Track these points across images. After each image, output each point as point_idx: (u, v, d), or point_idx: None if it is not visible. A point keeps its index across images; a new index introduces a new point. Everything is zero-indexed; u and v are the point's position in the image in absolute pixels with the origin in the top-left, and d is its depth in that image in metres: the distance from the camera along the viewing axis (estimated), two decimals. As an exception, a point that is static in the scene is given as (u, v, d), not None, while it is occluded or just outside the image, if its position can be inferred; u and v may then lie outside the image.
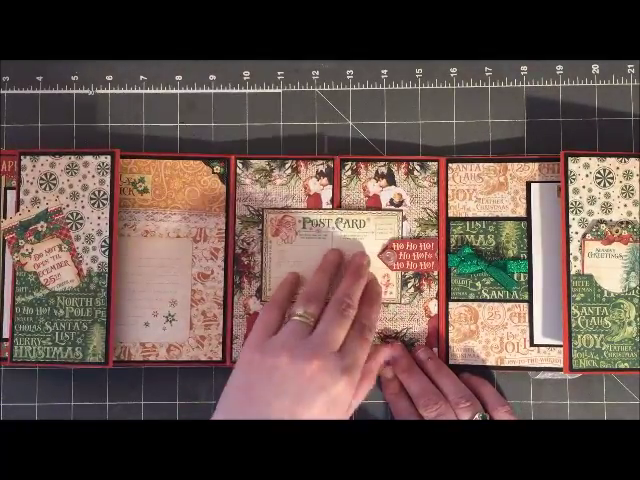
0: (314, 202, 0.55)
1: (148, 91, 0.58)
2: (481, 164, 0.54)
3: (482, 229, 0.54)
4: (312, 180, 0.55)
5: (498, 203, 0.54)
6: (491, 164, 0.54)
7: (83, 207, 0.53)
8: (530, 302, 0.53)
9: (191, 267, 0.54)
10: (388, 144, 0.57)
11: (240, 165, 0.55)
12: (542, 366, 0.53)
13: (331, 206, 0.54)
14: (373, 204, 0.54)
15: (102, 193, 0.53)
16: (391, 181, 0.54)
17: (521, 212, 0.54)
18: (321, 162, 0.55)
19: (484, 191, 0.54)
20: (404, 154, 0.56)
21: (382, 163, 0.54)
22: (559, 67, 0.57)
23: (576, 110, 0.57)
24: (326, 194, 0.55)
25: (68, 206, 0.53)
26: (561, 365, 0.52)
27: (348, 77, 0.58)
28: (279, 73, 0.58)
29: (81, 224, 0.53)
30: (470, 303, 0.53)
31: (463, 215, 0.54)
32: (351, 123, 0.57)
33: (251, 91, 0.58)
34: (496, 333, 0.53)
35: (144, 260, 0.54)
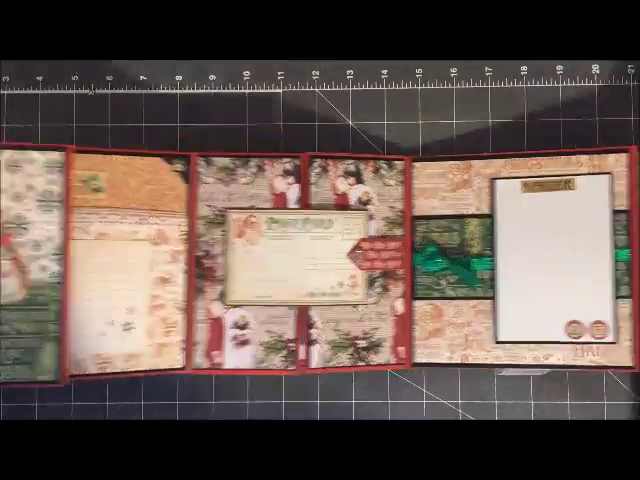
0: (280, 202, 0.53)
1: (148, 91, 0.58)
2: (445, 162, 0.54)
3: (447, 227, 0.53)
4: (278, 179, 0.53)
5: (463, 201, 0.53)
6: (455, 162, 0.54)
7: (29, 210, 0.48)
8: (495, 299, 0.52)
9: (150, 271, 0.51)
10: (388, 144, 0.57)
11: (202, 163, 0.53)
12: (507, 363, 0.52)
13: (298, 206, 0.53)
14: (341, 202, 0.53)
15: (52, 194, 0.48)
16: (359, 179, 0.54)
17: (485, 209, 0.53)
18: (287, 160, 0.53)
19: (448, 189, 0.54)
20: (404, 154, 0.56)
21: (350, 161, 0.54)
22: (559, 67, 0.57)
23: (576, 110, 0.57)
24: (293, 193, 0.53)
25: (10, 209, 0.48)
26: (525, 362, 0.52)
27: (348, 77, 0.58)
28: (279, 73, 0.58)
29: (26, 229, 0.48)
30: (435, 301, 0.53)
31: (429, 213, 0.54)
32: (351, 123, 0.57)
33: (251, 91, 0.58)
34: (461, 331, 0.53)
35: (98, 266, 0.50)
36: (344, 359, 0.53)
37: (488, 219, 0.53)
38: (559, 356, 0.51)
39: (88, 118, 0.57)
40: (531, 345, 0.51)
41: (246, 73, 0.58)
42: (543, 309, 0.51)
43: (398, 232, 0.54)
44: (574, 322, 0.51)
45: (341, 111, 0.58)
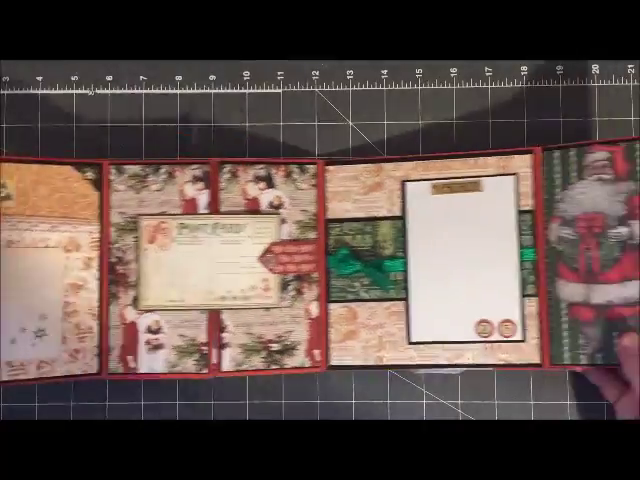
0: (190, 207, 0.53)
1: (148, 91, 0.58)
2: (357, 165, 0.54)
3: (360, 229, 0.54)
4: (188, 185, 0.53)
5: (375, 203, 0.54)
6: (366, 165, 0.54)
7: None
8: (407, 300, 0.53)
9: (62, 278, 0.52)
10: (388, 144, 0.57)
11: (114, 171, 0.53)
12: (420, 363, 0.52)
13: (208, 211, 0.53)
14: (252, 207, 0.53)
15: None
16: (270, 184, 0.54)
17: (396, 211, 0.53)
18: (197, 166, 0.53)
19: (361, 192, 0.54)
20: (404, 154, 0.56)
21: (261, 166, 0.54)
22: (559, 67, 0.57)
23: (575, 110, 0.57)
24: (202, 199, 0.53)
25: None
26: (438, 362, 0.52)
27: (348, 77, 0.58)
28: (279, 73, 0.58)
29: None
30: (349, 303, 0.53)
31: (342, 216, 0.54)
32: (351, 123, 0.57)
33: (251, 91, 0.58)
34: (375, 332, 0.53)
35: (8, 274, 0.50)
36: (257, 362, 0.53)
37: (400, 221, 0.53)
38: (469, 355, 0.52)
39: (88, 118, 0.57)
40: (443, 345, 0.52)
41: (246, 73, 0.58)
42: (454, 309, 0.52)
43: (311, 235, 0.54)
44: (484, 321, 0.51)
45: (341, 111, 0.58)
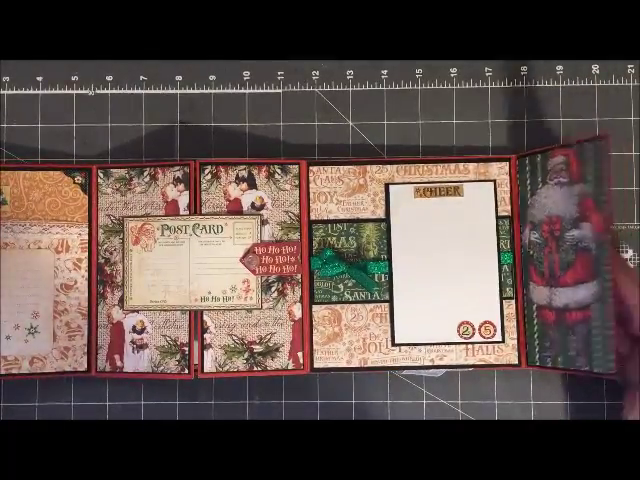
0: (172, 209, 0.53)
1: (148, 91, 0.58)
2: (341, 167, 0.54)
3: (343, 231, 0.54)
4: (169, 187, 0.54)
5: (358, 205, 0.54)
6: (351, 167, 0.54)
7: None
8: (391, 302, 0.53)
9: (53, 278, 0.54)
10: (388, 144, 0.57)
11: (101, 175, 0.54)
12: (404, 365, 0.53)
13: (188, 212, 0.53)
14: (234, 208, 0.54)
15: None
16: (252, 184, 0.54)
17: (380, 213, 0.54)
18: (178, 168, 0.53)
19: (345, 193, 0.54)
20: (404, 155, 0.56)
21: (242, 166, 0.54)
22: (559, 67, 0.57)
23: (576, 110, 0.57)
24: (183, 200, 0.53)
25: None
26: (422, 363, 0.53)
27: (348, 77, 0.58)
28: (279, 73, 0.58)
29: None
30: (333, 305, 0.53)
31: (325, 217, 0.54)
32: (351, 123, 0.57)
33: (251, 91, 0.58)
34: (359, 334, 0.53)
35: (3, 273, 0.53)
36: (239, 364, 0.53)
37: (383, 223, 0.54)
38: (452, 356, 0.53)
39: (88, 118, 0.57)
40: (427, 346, 0.53)
41: (246, 73, 0.58)
42: (436, 311, 0.53)
43: (294, 236, 0.54)
44: (465, 323, 0.53)
45: (341, 111, 0.58)
